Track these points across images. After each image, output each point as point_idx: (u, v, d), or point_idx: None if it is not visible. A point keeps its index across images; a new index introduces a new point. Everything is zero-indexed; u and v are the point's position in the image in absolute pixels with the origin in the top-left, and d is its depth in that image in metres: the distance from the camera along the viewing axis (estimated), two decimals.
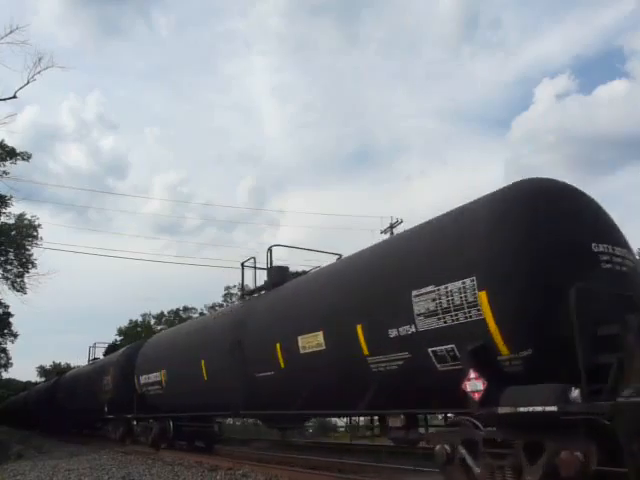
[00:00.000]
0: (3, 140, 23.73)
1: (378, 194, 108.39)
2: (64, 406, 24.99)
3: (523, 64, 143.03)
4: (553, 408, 4.75)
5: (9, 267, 26.45)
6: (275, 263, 11.15)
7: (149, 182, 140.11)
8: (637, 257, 6.53)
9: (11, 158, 23.94)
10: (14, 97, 22.20)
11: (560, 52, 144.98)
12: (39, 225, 27.21)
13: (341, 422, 18.91)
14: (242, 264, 12.08)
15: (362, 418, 9.35)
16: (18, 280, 26.42)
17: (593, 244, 5.63)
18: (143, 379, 15.49)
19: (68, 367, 49.27)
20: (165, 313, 52.67)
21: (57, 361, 70.82)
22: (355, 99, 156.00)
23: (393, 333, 6.62)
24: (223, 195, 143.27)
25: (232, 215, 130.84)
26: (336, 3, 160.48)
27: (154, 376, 14.71)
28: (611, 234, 5.98)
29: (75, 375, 25.60)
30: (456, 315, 5.83)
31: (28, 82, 22.03)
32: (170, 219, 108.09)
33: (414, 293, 6.30)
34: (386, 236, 29.74)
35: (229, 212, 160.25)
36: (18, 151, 24.25)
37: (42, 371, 73.28)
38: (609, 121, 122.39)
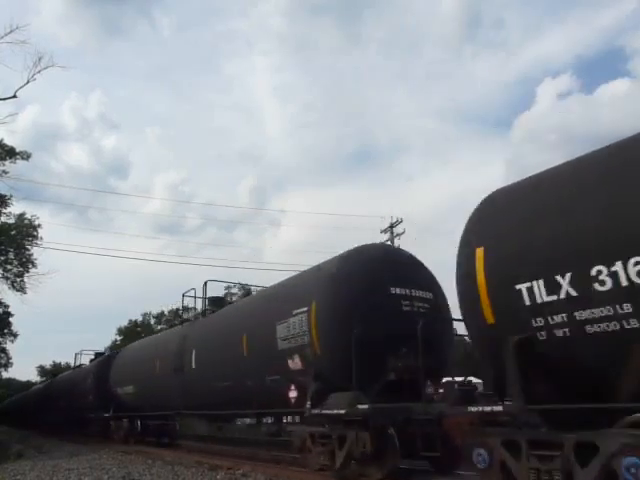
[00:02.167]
0: (2, 139, 23.67)
1: (378, 194, 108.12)
2: (58, 405, 27.30)
3: (525, 64, 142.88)
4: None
5: (9, 267, 26.33)
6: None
7: (150, 182, 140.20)
8: None
9: (10, 157, 23.86)
10: (14, 97, 22.18)
11: (562, 52, 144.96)
12: (39, 225, 27.07)
13: None
14: (183, 294, 15.83)
15: None
16: (18, 280, 26.30)
17: None
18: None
19: (67, 367, 49.19)
20: (165, 313, 52.63)
21: (57, 361, 70.90)
22: (355, 99, 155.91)
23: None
24: (224, 195, 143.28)
25: (233, 215, 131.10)
26: (337, 3, 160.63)
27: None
28: None
29: (66, 378, 28.47)
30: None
31: (28, 82, 21.98)
32: (171, 219, 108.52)
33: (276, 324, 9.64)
34: (386, 235, 29.69)
35: (230, 212, 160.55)
36: (18, 150, 24.18)
37: (42, 371, 73.32)
38: (611, 120, 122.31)
